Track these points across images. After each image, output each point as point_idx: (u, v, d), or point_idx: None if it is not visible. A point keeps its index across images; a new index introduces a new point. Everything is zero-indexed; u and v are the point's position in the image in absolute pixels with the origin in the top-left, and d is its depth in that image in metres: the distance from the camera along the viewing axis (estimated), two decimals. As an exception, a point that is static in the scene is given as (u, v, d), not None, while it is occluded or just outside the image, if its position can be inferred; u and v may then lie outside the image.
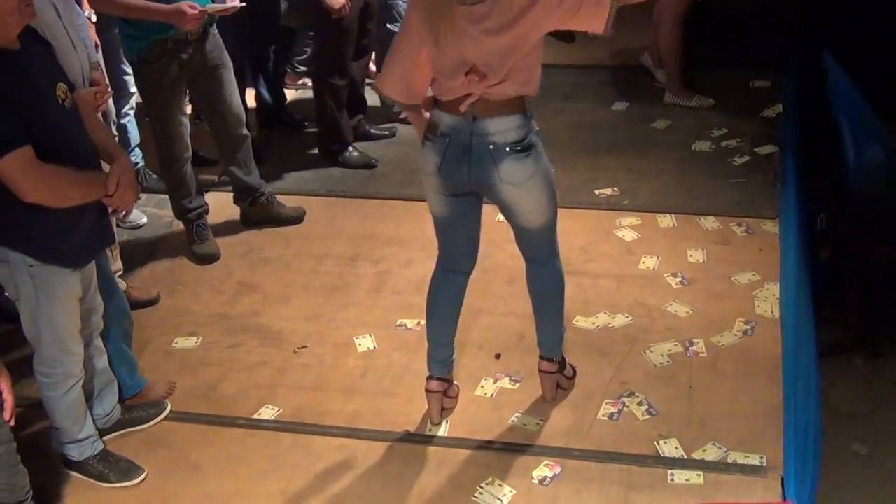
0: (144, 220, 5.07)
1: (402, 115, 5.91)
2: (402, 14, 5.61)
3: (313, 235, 4.88)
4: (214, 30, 4.48)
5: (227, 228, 4.96)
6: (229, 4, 4.46)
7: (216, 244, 4.78)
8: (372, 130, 5.82)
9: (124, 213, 3.78)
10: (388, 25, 5.59)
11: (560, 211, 4.85)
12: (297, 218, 5.01)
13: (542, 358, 3.66)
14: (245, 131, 4.81)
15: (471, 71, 3.08)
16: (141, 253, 4.79)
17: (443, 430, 3.59)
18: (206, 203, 4.83)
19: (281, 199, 5.05)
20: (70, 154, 2.96)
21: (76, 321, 3.21)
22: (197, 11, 4.17)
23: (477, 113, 3.14)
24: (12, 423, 2.69)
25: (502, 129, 3.14)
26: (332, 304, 4.36)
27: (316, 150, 5.61)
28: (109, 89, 3.77)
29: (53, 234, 3.00)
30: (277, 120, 6.02)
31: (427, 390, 3.61)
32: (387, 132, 5.84)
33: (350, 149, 5.52)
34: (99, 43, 4.50)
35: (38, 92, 2.89)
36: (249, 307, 4.38)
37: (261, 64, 5.81)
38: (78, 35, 3.62)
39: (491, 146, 3.16)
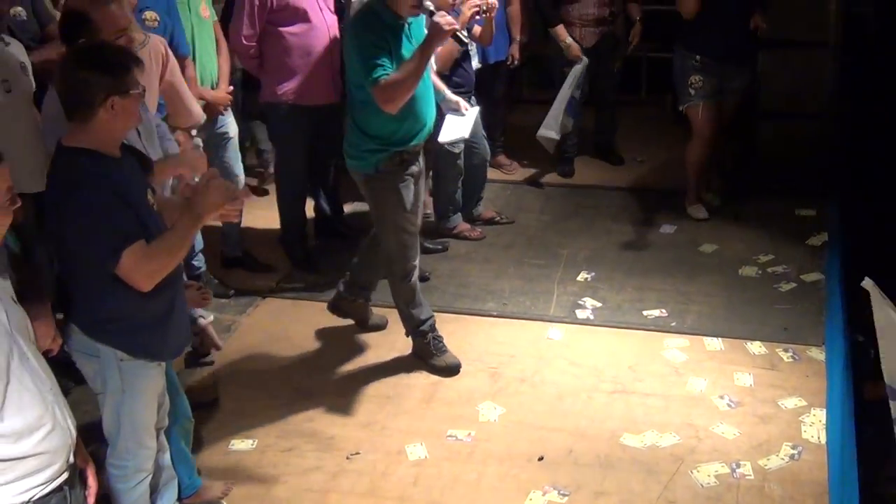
0: (211, 317, 5.19)
1: (454, 231, 6.11)
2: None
3: (367, 344, 5.00)
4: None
5: (284, 335, 5.10)
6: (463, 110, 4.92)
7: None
8: (426, 244, 5.95)
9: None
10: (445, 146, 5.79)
11: (608, 330, 5.03)
12: (380, 326, 5.14)
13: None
14: None
15: None
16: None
17: (491, 542, 3.65)
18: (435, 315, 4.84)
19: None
20: None
21: (154, 415, 3.33)
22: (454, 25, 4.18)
23: None
24: None
25: None
26: (385, 412, 4.45)
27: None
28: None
29: (145, 329, 3.14)
30: (335, 230, 6.20)
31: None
32: (440, 246, 6.01)
33: (404, 261, 5.66)
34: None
35: (140, 193, 3.07)
36: (304, 412, 4.49)
37: (321, 176, 6.03)
38: (154, 148, 3.84)
39: None
